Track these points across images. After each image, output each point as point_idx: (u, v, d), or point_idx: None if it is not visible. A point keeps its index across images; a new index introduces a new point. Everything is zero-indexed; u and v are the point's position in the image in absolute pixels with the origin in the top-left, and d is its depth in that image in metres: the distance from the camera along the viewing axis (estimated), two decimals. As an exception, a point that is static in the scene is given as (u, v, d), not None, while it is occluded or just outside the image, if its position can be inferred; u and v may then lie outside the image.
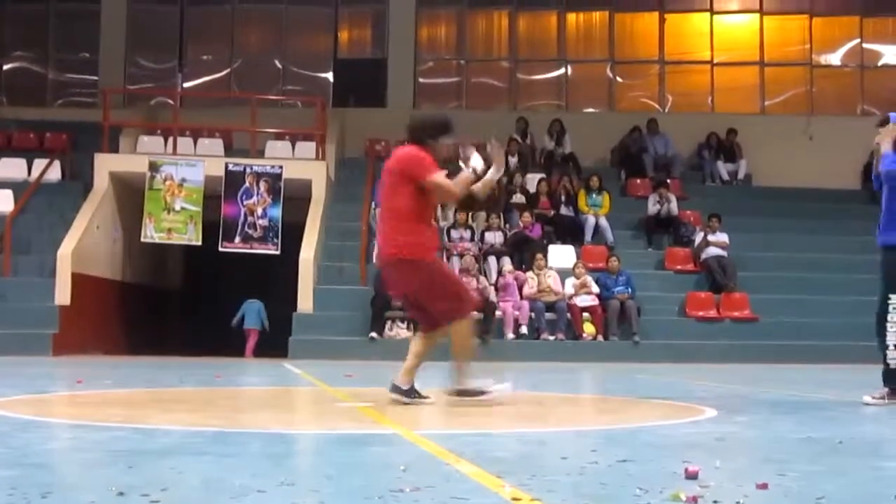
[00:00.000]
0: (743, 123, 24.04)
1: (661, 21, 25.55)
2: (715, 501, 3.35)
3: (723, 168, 23.76)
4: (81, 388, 9.21)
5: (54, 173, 21.43)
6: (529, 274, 18.40)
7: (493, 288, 18.24)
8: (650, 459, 4.52)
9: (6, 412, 6.35)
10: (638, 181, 22.94)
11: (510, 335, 17.71)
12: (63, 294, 17.80)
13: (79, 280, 18.08)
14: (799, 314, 19.02)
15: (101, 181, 19.64)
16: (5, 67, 25.67)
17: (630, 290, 18.45)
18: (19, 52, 25.69)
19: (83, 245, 18.38)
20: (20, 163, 21.64)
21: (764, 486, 3.62)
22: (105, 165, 19.65)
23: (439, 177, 7.26)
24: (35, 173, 21.14)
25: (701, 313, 19.06)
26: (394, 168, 7.41)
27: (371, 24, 26.06)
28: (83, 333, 18.08)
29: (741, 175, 23.83)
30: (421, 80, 25.39)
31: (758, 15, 25.70)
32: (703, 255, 19.85)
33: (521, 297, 18.14)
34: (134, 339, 20.03)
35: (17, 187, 20.38)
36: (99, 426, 5.73)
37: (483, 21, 26.01)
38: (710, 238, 19.99)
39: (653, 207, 21.19)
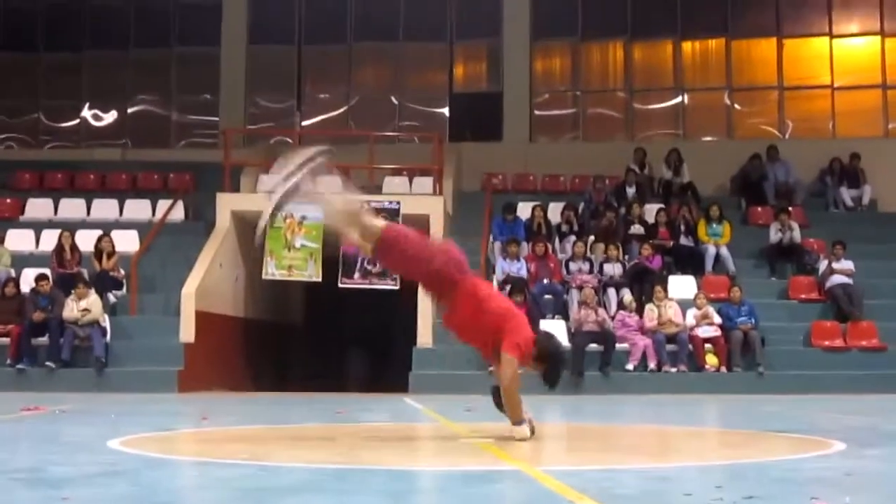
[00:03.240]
0: (866, 147, 23.52)
1: (780, 46, 25.23)
2: (846, 540, 3.26)
3: (846, 194, 23.25)
4: (207, 424, 9.36)
5: (178, 213, 21.87)
6: (649, 306, 18.21)
7: (612, 320, 18.11)
8: (777, 495, 4.42)
9: (134, 450, 6.47)
10: (759, 209, 22.58)
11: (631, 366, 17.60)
12: (188, 332, 18.11)
13: (203, 318, 18.38)
14: (929, 342, 18.50)
15: (222, 220, 20.00)
16: (130, 111, 26.32)
17: (753, 320, 18.15)
18: (143, 95, 26.33)
19: (206, 283, 18.70)
20: (145, 204, 22.20)
21: (897, 524, 3.52)
22: (227, 204, 20.00)
23: None
24: (159, 214, 21.63)
25: (827, 343, 18.63)
26: None
27: (486, 58, 26.18)
28: (208, 370, 18.37)
29: (865, 200, 23.28)
30: (537, 112, 25.39)
31: (879, 37, 25.21)
32: (828, 284, 19.43)
33: (643, 332, 17.95)
34: (257, 375, 20.29)
35: (142, 228, 20.85)
36: (224, 463, 5.82)
37: (598, 52, 25.94)
38: (835, 266, 19.56)
39: (775, 235, 20.83)
